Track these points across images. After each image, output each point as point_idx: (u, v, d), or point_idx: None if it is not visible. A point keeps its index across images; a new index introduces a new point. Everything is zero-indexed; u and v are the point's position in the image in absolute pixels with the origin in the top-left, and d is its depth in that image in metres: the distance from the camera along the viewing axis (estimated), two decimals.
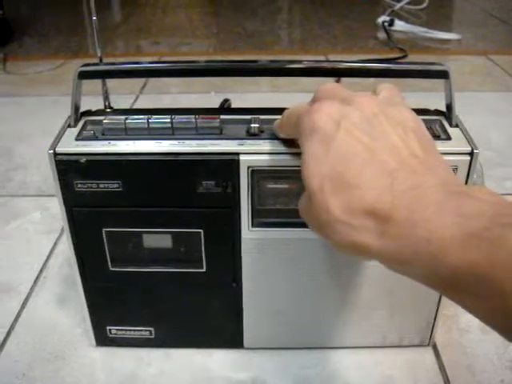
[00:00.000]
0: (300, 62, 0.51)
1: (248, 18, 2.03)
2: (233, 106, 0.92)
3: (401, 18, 1.87)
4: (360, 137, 0.37)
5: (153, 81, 1.34)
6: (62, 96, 1.29)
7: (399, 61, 1.47)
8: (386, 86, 0.43)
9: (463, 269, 0.30)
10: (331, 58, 1.54)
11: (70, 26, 1.97)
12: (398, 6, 1.99)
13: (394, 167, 0.35)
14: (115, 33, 1.89)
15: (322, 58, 1.54)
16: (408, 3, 1.99)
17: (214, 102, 1.03)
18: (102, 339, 0.61)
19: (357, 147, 0.36)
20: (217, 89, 1.27)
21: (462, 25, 1.92)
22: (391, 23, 1.77)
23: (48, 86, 1.38)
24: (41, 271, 0.74)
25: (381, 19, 1.80)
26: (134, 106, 1.22)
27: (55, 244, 0.79)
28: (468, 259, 0.29)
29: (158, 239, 0.53)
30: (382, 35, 1.75)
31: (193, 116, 0.50)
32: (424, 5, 2.00)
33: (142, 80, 1.34)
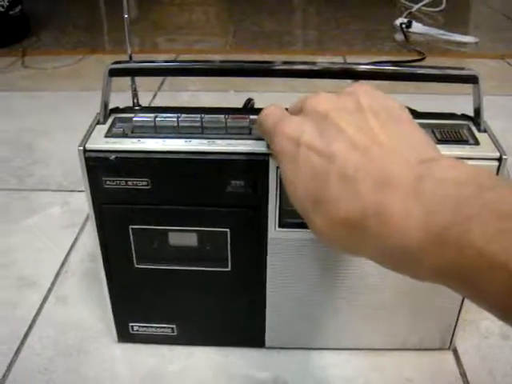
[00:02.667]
0: (317, 63, 0.52)
1: (265, 17, 2.03)
2: (256, 105, 0.92)
3: (418, 19, 1.86)
4: (318, 147, 0.36)
5: (171, 78, 1.35)
6: (81, 91, 1.30)
7: (423, 64, 1.47)
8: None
9: (442, 271, 0.30)
10: (348, 59, 1.54)
11: (88, 22, 1.98)
12: (416, 7, 1.98)
13: (355, 166, 0.34)
14: (132, 29, 1.89)
15: (339, 58, 1.54)
16: (425, 5, 1.99)
17: (234, 100, 1.03)
18: (124, 335, 0.61)
19: (317, 160, 0.36)
20: (235, 87, 1.27)
21: (479, 28, 1.91)
22: (409, 25, 1.76)
23: (67, 81, 1.39)
24: (62, 266, 0.75)
25: (398, 21, 1.79)
26: (153, 103, 1.23)
27: (76, 239, 0.80)
28: (442, 263, 0.29)
29: (184, 237, 0.53)
30: (399, 37, 1.75)
31: (222, 115, 0.50)
32: (442, 7, 1.99)
33: (161, 77, 1.34)
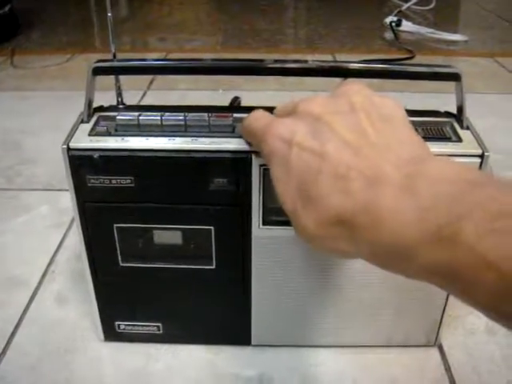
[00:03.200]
0: (308, 61, 0.52)
1: (255, 15, 2.03)
2: (242, 103, 0.93)
3: (408, 18, 1.87)
4: (311, 146, 0.37)
5: (160, 77, 1.35)
6: (70, 91, 1.29)
7: (410, 62, 1.47)
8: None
9: (432, 269, 0.30)
10: (338, 57, 1.54)
11: (77, 20, 1.97)
12: (406, 6, 1.99)
13: (348, 165, 0.35)
14: (122, 28, 1.89)
15: (329, 57, 1.55)
16: (415, 4, 1.99)
17: (223, 99, 1.03)
18: (111, 334, 0.61)
19: (310, 159, 0.36)
20: (225, 86, 1.27)
21: (469, 26, 1.92)
22: (399, 23, 1.77)
23: (56, 81, 1.39)
24: (49, 265, 0.75)
25: (388, 19, 1.80)
26: (142, 102, 1.23)
27: (63, 238, 0.80)
28: (434, 261, 0.30)
29: (168, 235, 0.53)
30: (389, 35, 1.75)
31: (206, 114, 0.50)
32: (431, 5, 2.00)
33: (150, 76, 1.34)
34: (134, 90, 1.24)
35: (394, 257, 0.32)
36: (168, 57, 1.55)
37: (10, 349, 0.62)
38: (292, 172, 0.37)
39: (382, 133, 0.36)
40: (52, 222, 0.83)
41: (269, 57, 1.51)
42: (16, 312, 0.67)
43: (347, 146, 0.36)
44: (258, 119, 0.44)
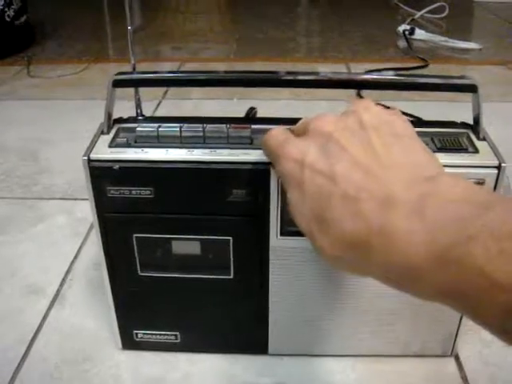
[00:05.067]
0: (320, 73, 0.52)
1: (268, 24, 2.04)
2: (257, 114, 0.93)
3: (421, 26, 1.87)
4: (322, 168, 0.37)
5: (174, 87, 1.35)
6: (85, 100, 1.31)
7: (426, 73, 1.47)
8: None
9: (442, 290, 0.31)
10: (352, 66, 1.55)
11: (92, 30, 1.99)
12: (419, 14, 1.99)
13: (358, 186, 0.35)
14: (136, 38, 1.90)
15: (342, 66, 1.55)
16: (428, 12, 2.00)
17: (237, 108, 1.04)
18: (129, 343, 0.62)
19: (322, 182, 0.37)
20: (238, 95, 1.28)
21: (482, 34, 1.91)
22: (412, 32, 1.77)
23: (71, 90, 1.40)
24: (67, 273, 0.75)
25: (401, 28, 1.80)
26: (157, 112, 1.24)
27: (80, 247, 0.81)
28: (443, 282, 0.30)
29: (187, 246, 0.54)
30: (402, 44, 1.75)
31: (224, 125, 0.51)
32: (444, 14, 2.00)
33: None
34: (149, 100, 1.25)
35: (405, 278, 0.33)
36: (182, 66, 1.57)
37: (29, 356, 0.63)
38: (306, 195, 0.37)
39: (392, 151, 0.37)
40: (69, 231, 0.84)
41: (282, 66, 1.53)
42: (35, 320, 0.68)
43: (357, 166, 0.36)
44: (272, 137, 0.44)
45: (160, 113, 1.23)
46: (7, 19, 1.64)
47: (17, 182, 0.98)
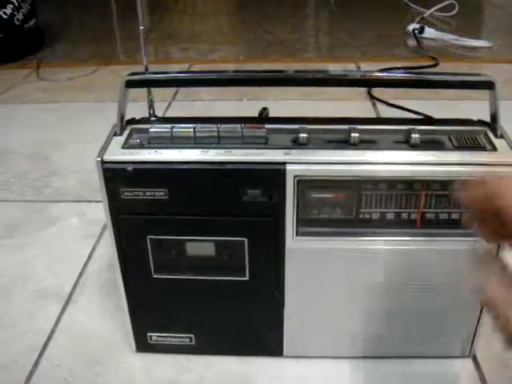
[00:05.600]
0: (329, 71, 0.52)
1: (277, 25, 2.03)
2: (270, 114, 0.93)
3: (430, 24, 1.86)
4: None
5: (184, 88, 1.35)
6: (95, 102, 1.31)
7: (442, 71, 1.46)
8: None
9: None
10: (362, 66, 1.54)
11: (101, 33, 1.99)
12: (428, 12, 1.98)
13: None
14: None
15: (352, 65, 1.54)
16: (438, 10, 1.99)
17: (247, 108, 1.04)
18: (143, 345, 0.61)
19: None
20: (248, 96, 1.27)
21: (492, 32, 1.90)
22: (421, 31, 1.76)
23: (81, 93, 1.40)
24: (80, 276, 0.75)
25: (411, 27, 1.79)
26: (167, 113, 1.23)
27: (93, 249, 0.80)
28: None
29: (201, 247, 0.53)
30: (412, 42, 1.74)
31: (239, 125, 0.50)
32: (454, 11, 1.99)
33: (175, 87, 1.35)
34: (159, 101, 1.25)
35: None
36: (191, 68, 1.56)
37: (43, 360, 0.62)
38: None
39: None
40: (81, 233, 0.84)
41: (291, 66, 1.52)
42: (48, 324, 0.67)
43: None
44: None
45: (170, 114, 1.22)
46: (16, 23, 1.65)
47: (28, 185, 0.98)
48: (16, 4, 1.63)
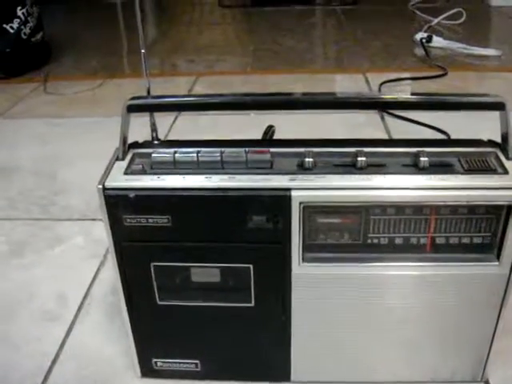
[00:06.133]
0: (342, 94, 0.51)
1: (283, 35, 2.03)
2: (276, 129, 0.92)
3: (438, 33, 1.85)
4: None
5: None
6: (102, 117, 1.30)
7: (445, 82, 1.45)
8: None
9: None
10: (370, 76, 1.53)
11: (107, 46, 1.99)
12: (436, 21, 1.97)
13: None
14: (151, 51, 1.90)
15: (359, 76, 1.53)
16: (445, 18, 1.97)
17: (254, 123, 1.02)
18: (148, 371, 0.60)
19: None
20: (256, 110, 1.26)
21: (501, 40, 1.88)
22: (429, 40, 1.75)
23: (88, 107, 1.40)
24: (85, 298, 0.74)
25: (418, 36, 1.78)
26: (174, 127, 1.22)
27: (98, 270, 0.79)
28: None
29: (206, 274, 0.52)
30: (419, 52, 1.73)
31: (243, 149, 0.49)
32: (462, 20, 1.97)
33: None
34: (166, 114, 1.24)
35: None
36: (198, 80, 1.55)
37: None
38: None
39: None
40: (87, 254, 0.83)
41: (299, 78, 1.51)
42: (52, 348, 0.66)
43: None
44: None
45: (177, 127, 1.22)
46: (23, 37, 1.65)
47: (34, 202, 0.98)
48: (23, 18, 1.63)
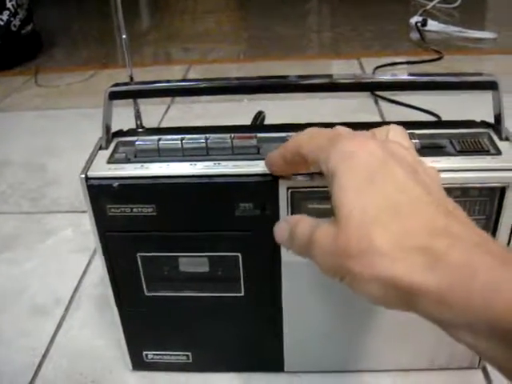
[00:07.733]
0: (335, 76, 0.49)
1: (278, 21, 2.01)
2: (266, 114, 0.90)
3: (433, 17, 1.83)
4: (405, 173, 0.34)
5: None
6: (93, 108, 1.28)
7: (441, 65, 1.43)
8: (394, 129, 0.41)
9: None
10: (364, 61, 1.51)
11: (98, 37, 1.97)
12: (431, 5, 1.95)
13: (448, 210, 0.33)
14: (145, 40, 1.88)
15: (354, 61, 1.51)
16: (440, 2, 1.95)
17: (248, 110, 1.01)
18: (139, 363, 0.59)
19: (407, 181, 0.34)
20: (249, 97, 1.25)
21: (496, 23, 1.86)
22: (424, 23, 1.73)
23: (79, 98, 1.38)
24: (75, 291, 0.73)
25: (414, 20, 1.76)
26: (166, 116, 1.21)
27: (89, 262, 0.78)
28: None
29: (194, 263, 0.51)
30: (415, 36, 1.71)
31: (228, 135, 0.48)
32: (457, 3, 1.95)
33: None
34: (158, 104, 1.23)
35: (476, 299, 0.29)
36: (192, 68, 1.54)
37: (38, 380, 0.61)
38: (379, 183, 0.34)
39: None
40: (77, 246, 0.82)
41: (294, 64, 1.49)
42: (43, 342, 0.65)
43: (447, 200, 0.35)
44: (319, 134, 0.40)
45: (170, 116, 1.20)
46: (13, 29, 1.63)
47: (24, 196, 0.96)
48: (12, 10, 1.61)
